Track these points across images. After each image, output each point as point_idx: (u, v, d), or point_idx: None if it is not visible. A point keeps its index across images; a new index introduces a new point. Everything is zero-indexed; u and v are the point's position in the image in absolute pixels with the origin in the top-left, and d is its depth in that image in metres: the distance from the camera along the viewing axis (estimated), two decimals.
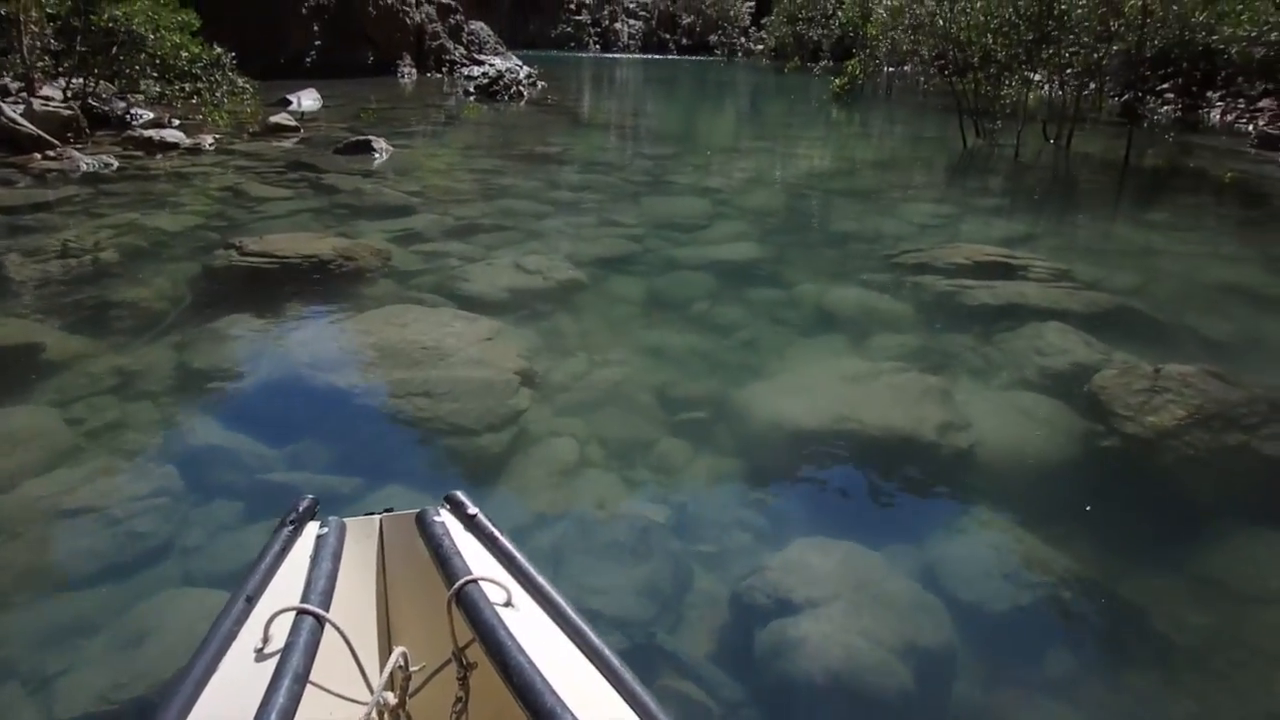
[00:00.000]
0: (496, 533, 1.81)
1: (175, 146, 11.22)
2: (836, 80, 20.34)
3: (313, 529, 1.80)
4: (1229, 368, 4.83)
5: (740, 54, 46.44)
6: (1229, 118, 20.09)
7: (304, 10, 22.53)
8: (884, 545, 3.49)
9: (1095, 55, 13.00)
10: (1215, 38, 13.22)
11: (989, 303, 6.00)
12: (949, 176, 12.54)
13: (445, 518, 1.82)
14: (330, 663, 1.46)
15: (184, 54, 13.15)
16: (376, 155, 11.09)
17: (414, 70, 25.05)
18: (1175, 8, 13.06)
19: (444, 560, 1.64)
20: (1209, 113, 20.99)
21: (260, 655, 1.39)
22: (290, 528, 1.77)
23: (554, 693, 1.28)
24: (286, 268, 6.25)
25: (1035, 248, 7.74)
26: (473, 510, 1.86)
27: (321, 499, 1.94)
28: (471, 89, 20.99)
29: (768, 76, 34.99)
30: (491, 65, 25.53)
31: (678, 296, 6.26)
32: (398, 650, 1.54)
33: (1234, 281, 6.97)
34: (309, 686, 1.34)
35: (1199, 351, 5.48)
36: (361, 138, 11.34)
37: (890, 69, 28.36)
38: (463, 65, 26.23)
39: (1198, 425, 4.12)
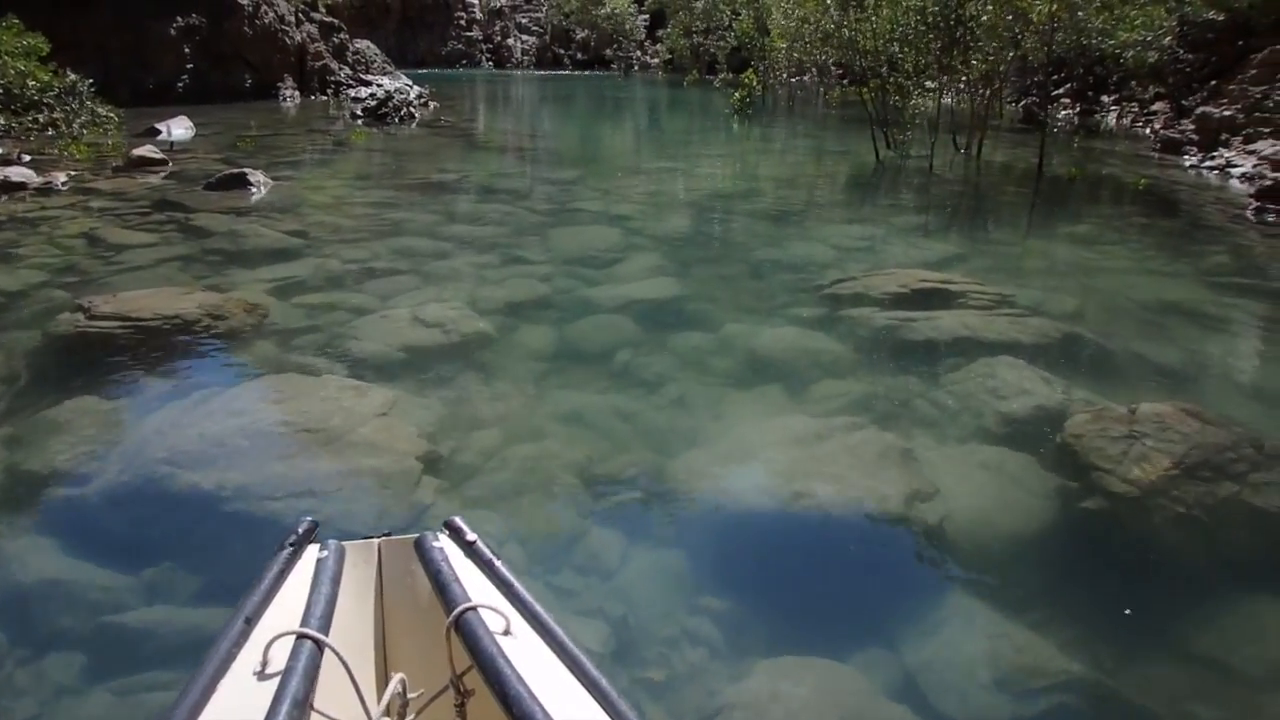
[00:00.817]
0: (495, 559, 1.79)
1: (23, 186, 10.01)
2: (736, 93, 20.19)
3: (312, 552, 1.79)
4: (1196, 401, 4.57)
5: (637, 68, 46.31)
6: (1124, 121, 20.83)
7: (173, 31, 21.04)
8: (857, 654, 3.01)
9: (998, 62, 13.09)
10: (1112, 43, 13.49)
11: (933, 337, 5.64)
12: (866, 193, 12.37)
13: (444, 543, 1.82)
14: (328, 687, 1.46)
15: (31, 82, 11.86)
16: (254, 190, 10.14)
17: (297, 93, 23.74)
18: (1079, 14, 13.33)
19: (443, 586, 1.65)
20: (1104, 116, 21.74)
21: (260, 678, 1.38)
22: (289, 550, 1.76)
23: None
24: (145, 332, 5.40)
25: (969, 270, 7.50)
26: (471, 536, 1.85)
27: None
28: (359, 111, 19.94)
29: (666, 90, 34.84)
30: (380, 86, 24.46)
31: (596, 346, 5.68)
32: (396, 677, 1.54)
33: (1171, 299, 6.84)
34: (305, 714, 1.33)
35: (1157, 383, 5.23)
36: (237, 170, 10.36)
37: (793, 79, 28.57)
38: (349, 86, 25.05)
39: (1186, 476, 3.79)
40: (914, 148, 14.38)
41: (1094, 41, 13.69)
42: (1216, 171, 13.40)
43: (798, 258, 8.11)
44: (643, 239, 8.58)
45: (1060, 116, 22.09)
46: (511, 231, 8.69)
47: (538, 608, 1.65)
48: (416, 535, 1.85)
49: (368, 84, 25.20)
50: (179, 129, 15.53)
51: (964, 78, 13.70)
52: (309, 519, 1.91)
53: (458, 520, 1.92)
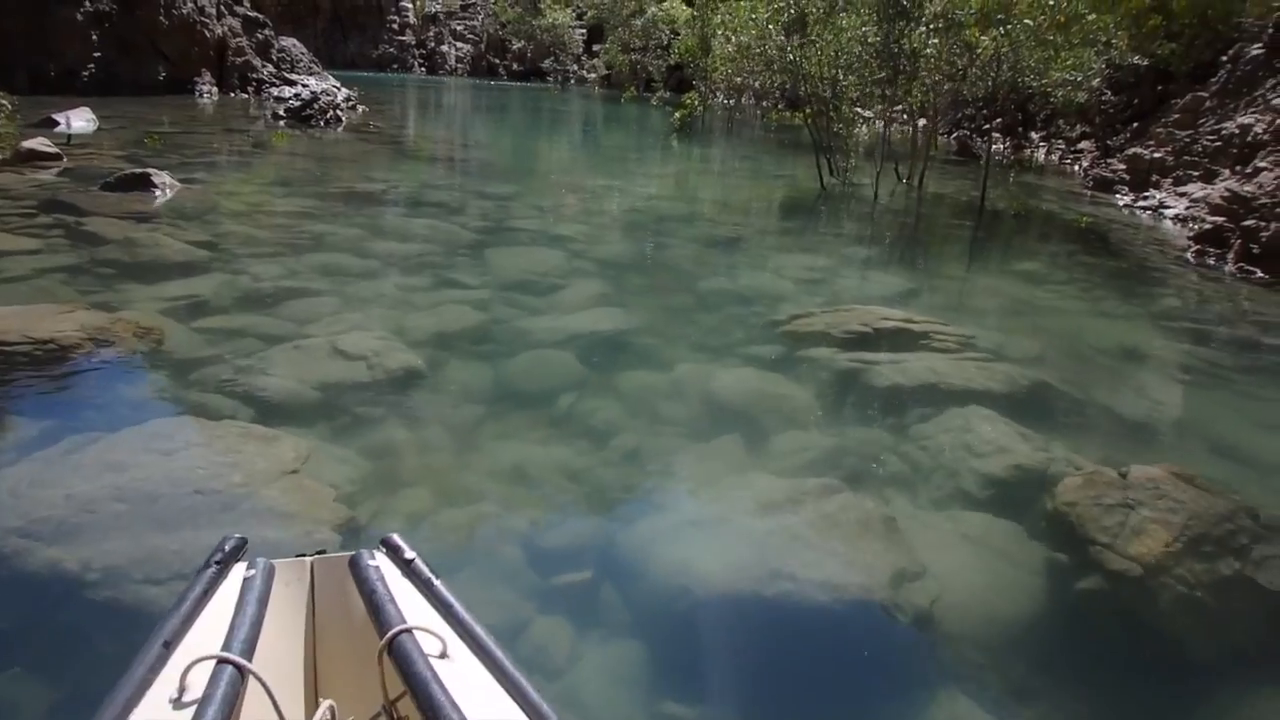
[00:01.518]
0: (433, 579, 1.72)
1: None
2: (676, 112, 19.89)
3: (239, 570, 1.69)
4: (1178, 459, 4.32)
5: (573, 81, 45.87)
6: (1053, 157, 21.28)
7: (79, 16, 19.66)
8: None
9: (938, 94, 13.06)
10: (1044, 81, 13.64)
11: (900, 383, 5.28)
12: (813, 220, 12.11)
13: (381, 561, 1.75)
14: (252, 716, 1.40)
15: None
16: (158, 193, 9.27)
17: (215, 89, 22.47)
18: (1018, 51, 13.40)
19: (377, 608, 1.58)
20: (1034, 152, 22.19)
21: (175, 705, 1.32)
22: (214, 568, 1.67)
23: None
24: (10, 360, 4.65)
25: (925, 307, 7.26)
26: (410, 554, 1.78)
27: None
28: (282, 112, 18.93)
29: (604, 105, 34.44)
30: (305, 86, 23.35)
31: (538, 386, 5.15)
32: (325, 704, 1.48)
33: (1129, 345, 6.68)
34: None
35: (1134, 439, 4.98)
36: (140, 170, 9.47)
37: (730, 101, 28.48)
38: (272, 85, 23.84)
39: (1187, 551, 3.49)
40: (855, 175, 14.26)
41: (1027, 79, 13.80)
42: (1149, 212, 13.63)
43: (749, 288, 7.73)
44: (585, 263, 8.08)
45: (994, 150, 22.49)
46: (444, 250, 8.09)
47: (478, 629, 1.59)
48: (352, 554, 1.76)
49: (292, 83, 24.05)
50: (80, 121, 14.36)
51: (903, 108, 13.63)
52: (236, 535, 1.78)
53: (395, 538, 1.83)
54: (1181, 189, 13.46)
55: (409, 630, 1.50)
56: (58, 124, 13.94)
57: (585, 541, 3.60)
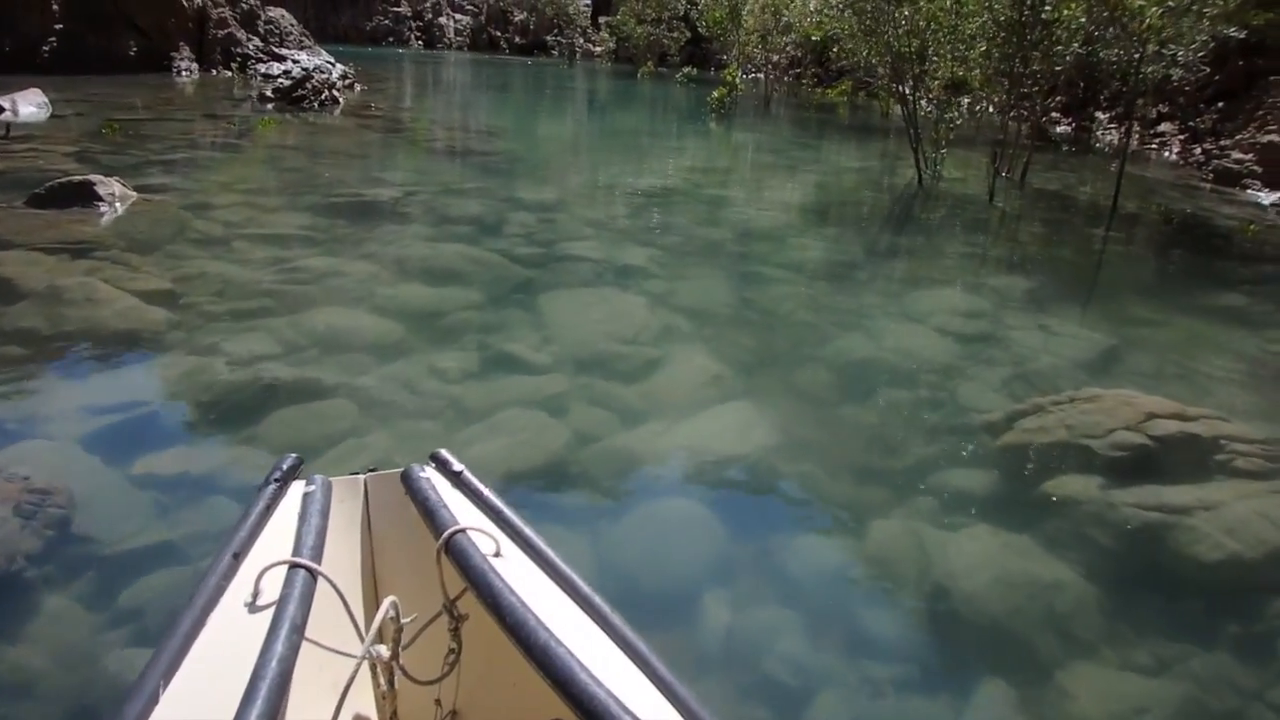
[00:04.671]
0: (483, 488, 1.76)
1: None
2: (716, 91, 17.65)
3: (299, 487, 1.72)
4: None
5: (580, 55, 43.31)
6: (1130, 141, 19.13)
7: None
8: None
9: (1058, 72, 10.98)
10: (1164, 53, 11.51)
11: (1238, 551, 3.28)
12: (929, 233, 9.94)
13: (431, 474, 1.77)
14: (321, 618, 1.42)
15: None
16: (103, 208, 7.14)
17: (195, 66, 20.09)
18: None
19: (431, 513, 1.61)
20: (1101, 134, 20.07)
21: (251, 609, 1.34)
22: (275, 485, 1.70)
23: (547, 629, 1.27)
24: None
25: (1152, 376, 5.46)
26: (458, 467, 1.81)
27: None
28: (270, 92, 16.61)
29: (619, 82, 31.93)
30: (296, 62, 21.06)
31: (662, 583, 3.19)
32: (388, 600, 1.46)
33: None
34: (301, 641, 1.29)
35: None
36: (80, 178, 7.32)
37: (762, 77, 26.13)
38: (259, 61, 21.46)
39: None
40: (945, 167, 12.14)
41: (1144, 51, 11.71)
42: None
43: (902, 353, 5.67)
44: (674, 315, 6.00)
45: (1058, 132, 20.34)
46: (488, 297, 6.00)
47: (528, 532, 1.62)
48: (403, 468, 1.77)
49: (281, 59, 21.74)
50: (28, 106, 12.15)
51: (1013, 88, 11.50)
52: (293, 455, 1.80)
53: (444, 452, 1.85)
54: None
55: (463, 531, 1.52)
56: (2, 109, 11.75)
57: None
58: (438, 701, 1.65)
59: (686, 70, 29.61)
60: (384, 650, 1.47)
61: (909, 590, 3.18)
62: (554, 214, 8.80)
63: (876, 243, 9.32)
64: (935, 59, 11.46)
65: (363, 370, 4.64)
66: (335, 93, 17.39)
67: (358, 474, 1.81)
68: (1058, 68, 11.28)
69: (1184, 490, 3.71)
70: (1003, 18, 10.28)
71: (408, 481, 1.73)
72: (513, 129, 17.47)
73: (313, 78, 17.37)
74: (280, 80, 17.55)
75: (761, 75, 26.99)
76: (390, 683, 1.53)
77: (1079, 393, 4.67)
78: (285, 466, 1.76)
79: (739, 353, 5.51)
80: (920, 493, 3.88)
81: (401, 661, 1.53)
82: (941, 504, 3.76)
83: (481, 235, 7.64)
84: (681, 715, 1.27)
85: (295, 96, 16.39)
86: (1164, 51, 14.29)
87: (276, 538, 1.53)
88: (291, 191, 8.88)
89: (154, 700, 1.15)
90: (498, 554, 1.50)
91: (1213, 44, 17.24)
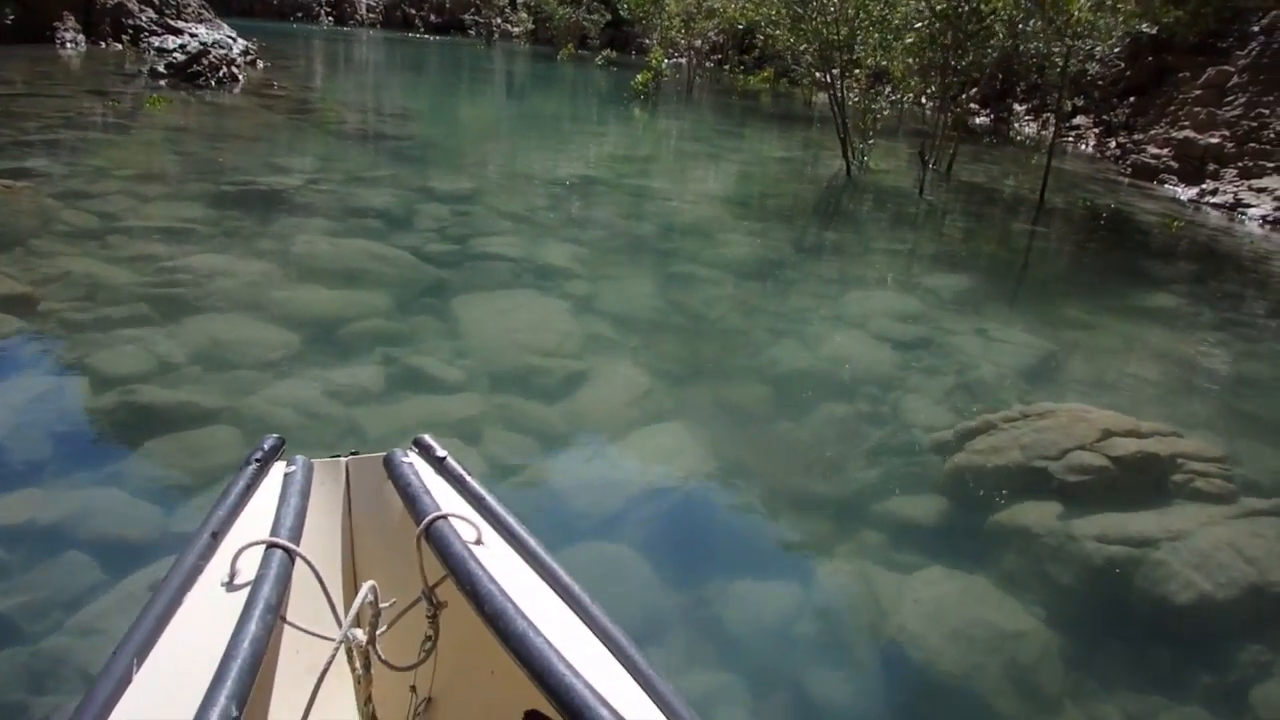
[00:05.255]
0: (465, 474, 1.75)
1: None
2: (639, 75, 17.23)
3: (280, 468, 1.71)
4: None
5: (498, 36, 42.21)
6: (1045, 133, 19.49)
7: None
8: None
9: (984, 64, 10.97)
10: (1059, 48, 11.65)
11: (1207, 591, 3.10)
12: (858, 227, 9.74)
13: (414, 459, 1.77)
14: (298, 599, 1.43)
15: None
16: None
17: (81, 37, 18.61)
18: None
19: (413, 498, 1.61)
20: (1020, 126, 20.37)
21: (229, 588, 1.33)
22: (255, 465, 1.68)
23: (526, 618, 1.26)
24: None
25: (1092, 386, 5.32)
26: (441, 452, 1.80)
27: None
28: (163, 68, 15.45)
29: (539, 65, 31.11)
30: (194, 36, 19.70)
31: None
32: (367, 584, 1.43)
33: None
34: (277, 623, 1.29)
35: None
36: None
37: (684, 62, 25.75)
38: (153, 34, 20.04)
39: None
40: (872, 158, 12.02)
41: (1069, 45, 11.81)
42: (1224, 210, 11.84)
43: (838, 360, 5.42)
44: (600, 321, 5.62)
45: (977, 123, 20.60)
46: (395, 304, 5.49)
47: (510, 519, 1.61)
48: (385, 453, 1.77)
49: (178, 32, 20.35)
50: None
51: (943, 79, 11.43)
52: (275, 436, 1.79)
53: (427, 438, 1.85)
54: (1257, 183, 11.65)
55: (444, 517, 1.51)
56: None
57: None
58: (413, 688, 1.63)
59: (607, 53, 29.06)
60: (360, 634, 1.43)
61: (862, 648, 2.89)
62: (469, 206, 8.28)
63: (808, 238, 9.09)
64: (862, 49, 11.29)
65: (249, 390, 4.12)
66: (235, 69, 16.33)
67: (339, 457, 1.80)
68: (985, 60, 11.24)
69: (1147, 518, 3.51)
70: (939, 7, 10.15)
71: (390, 466, 1.72)
72: (427, 112, 16.72)
73: (211, 53, 16.26)
74: (175, 55, 16.37)
75: (684, 60, 26.66)
76: (366, 667, 1.50)
77: (1030, 408, 4.46)
78: (267, 446, 1.74)
79: (668, 364, 5.16)
80: (868, 525, 3.60)
81: (378, 647, 1.50)
82: (891, 539, 3.49)
83: (390, 230, 7.08)
84: (658, 707, 1.23)
85: (191, 73, 15.31)
86: (1080, 46, 14.55)
87: (255, 518, 1.52)
88: (179, 179, 8.12)
89: (126, 680, 1.13)
90: (479, 541, 1.51)
91: (1128, 39, 17.69)
